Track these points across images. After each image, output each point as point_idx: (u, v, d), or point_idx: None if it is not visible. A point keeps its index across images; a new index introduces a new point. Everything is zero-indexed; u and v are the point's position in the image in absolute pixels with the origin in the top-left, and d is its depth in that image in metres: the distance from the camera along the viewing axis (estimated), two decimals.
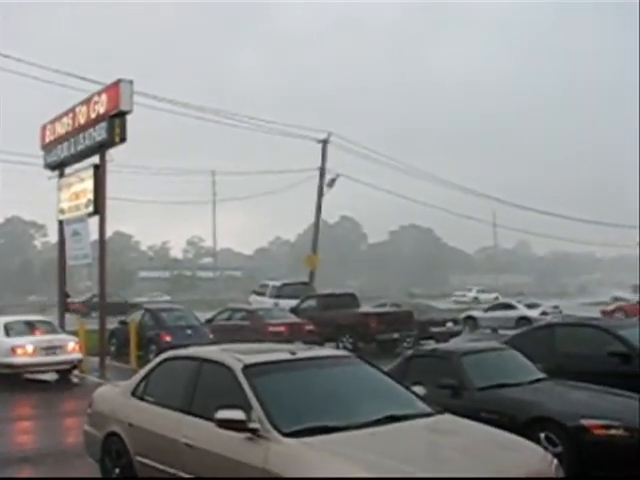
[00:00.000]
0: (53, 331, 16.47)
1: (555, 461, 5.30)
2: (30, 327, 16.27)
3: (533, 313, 28.23)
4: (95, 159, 18.46)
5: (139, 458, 6.30)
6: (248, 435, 5.15)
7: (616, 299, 44.19)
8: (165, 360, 6.88)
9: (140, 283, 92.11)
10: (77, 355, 16.04)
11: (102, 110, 17.68)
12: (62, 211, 20.26)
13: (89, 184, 18.44)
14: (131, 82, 17.26)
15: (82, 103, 18.74)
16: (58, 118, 20.21)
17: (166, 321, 19.45)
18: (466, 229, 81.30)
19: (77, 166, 19.78)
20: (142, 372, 7.07)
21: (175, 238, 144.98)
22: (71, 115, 19.34)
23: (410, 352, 9.63)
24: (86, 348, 17.41)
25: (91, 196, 18.29)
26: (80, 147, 18.95)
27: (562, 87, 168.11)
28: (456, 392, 7.72)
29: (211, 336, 18.42)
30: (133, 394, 6.81)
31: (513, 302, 31.20)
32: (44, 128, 21.04)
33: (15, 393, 14.42)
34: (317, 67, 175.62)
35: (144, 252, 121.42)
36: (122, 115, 17.39)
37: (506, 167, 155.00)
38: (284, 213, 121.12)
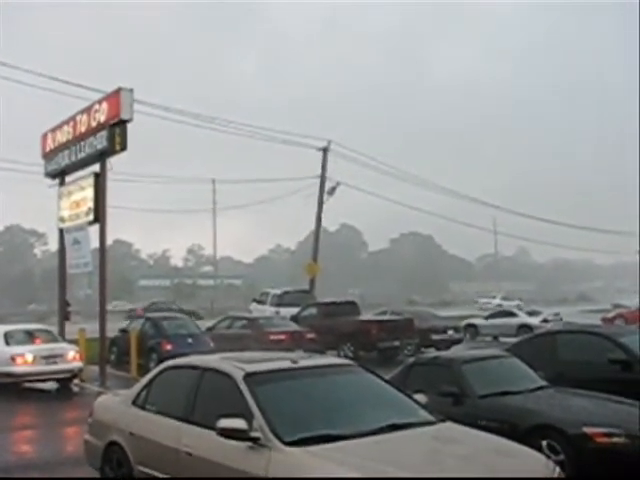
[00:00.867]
0: (53, 340, 16.47)
1: (557, 469, 5.30)
2: (30, 336, 16.24)
3: (534, 321, 28.15)
4: (95, 167, 18.48)
5: (140, 467, 6.29)
6: (249, 444, 5.14)
7: (616, 306, 44.18)
8: (166, 369, 6.87)
9: (140, 291, 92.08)
10: (77, 364, 16.02)
11: (103, 118, 17.71)
12: (62, 219, 20.24)
13: (89, 192, 18.43)
14: (131, 90, 17.29)
15: (83, 111, 18.76)
16: (59, 126, 20.22)
17: (167, 329, 19.48)
18: (466, 236, 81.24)
19: (78, 174, 19.80)
20: (143, 381, 7.05)
21: (175, 246, 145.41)
22: (72, 123, 19.36)
23: (411, 360, 9.63)
24: (86, 357, 17.42)
25: (91, 204, 18.27)
26: (81, 155, 18.95)
27: (562, 88, 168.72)
28: (457, 400, 7.71)
29: (212, 344, 18.41)
30: (134, 403, 6.80)
31: (514, 310, 31.17)
32: (45, 136, 21.05)
33: (15, 402, 14.40)
34: (316, 70, 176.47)
35: (144, 260, 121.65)
36: (122, 123, 17.41)
37: (506, 173, 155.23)
38: (284, 221, 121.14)
